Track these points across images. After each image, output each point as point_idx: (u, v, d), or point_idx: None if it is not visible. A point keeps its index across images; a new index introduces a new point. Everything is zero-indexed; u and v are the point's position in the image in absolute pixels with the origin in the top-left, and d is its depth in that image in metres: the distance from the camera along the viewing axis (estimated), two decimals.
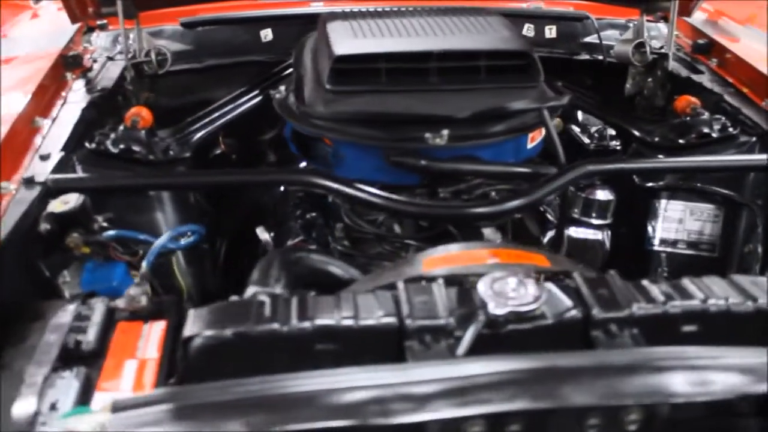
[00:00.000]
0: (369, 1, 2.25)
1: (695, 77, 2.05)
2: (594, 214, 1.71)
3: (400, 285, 1.04)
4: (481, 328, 0.99)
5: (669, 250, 1.80)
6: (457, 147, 1.58)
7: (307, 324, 0.98)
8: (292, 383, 0.87)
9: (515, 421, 0.84)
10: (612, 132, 2.12)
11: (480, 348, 0.99)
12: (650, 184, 1.83)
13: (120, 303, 1.23)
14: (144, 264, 1.39)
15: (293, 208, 1.82)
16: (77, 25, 2.15)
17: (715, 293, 1.07)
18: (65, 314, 1.18)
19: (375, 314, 1.00)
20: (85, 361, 1.10)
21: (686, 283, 1.09)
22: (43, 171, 1.46)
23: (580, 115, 2.26)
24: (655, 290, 1.07)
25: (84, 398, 1.02)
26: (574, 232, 1.71)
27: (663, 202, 1.82)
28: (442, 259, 1.17)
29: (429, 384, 0.87)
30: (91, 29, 2.25)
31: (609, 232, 1.75)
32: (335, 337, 0.99)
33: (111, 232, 1.43)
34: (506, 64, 1.64)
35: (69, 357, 1.10)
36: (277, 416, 0.83)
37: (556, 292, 1.06)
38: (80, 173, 1.58)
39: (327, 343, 0.99)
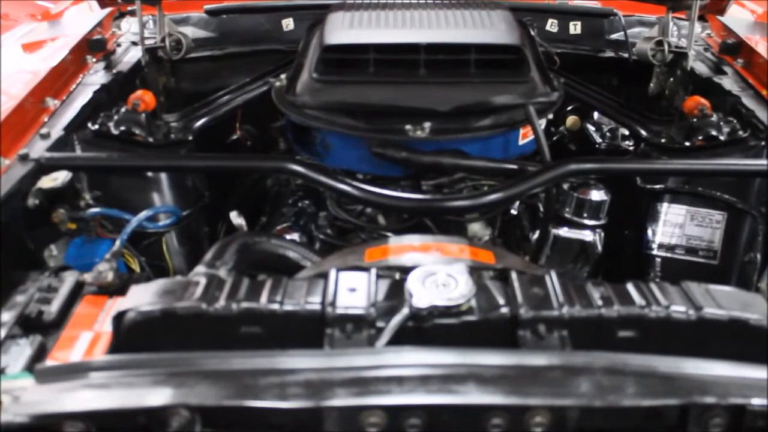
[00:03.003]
0: None
1: (717, 78, 1.98)
2: (586, 215, 1.67)
3: (332, 273, 1.05)
4: (404, 321, 1.00)
5: (666, 255, 1.74)
6: (440, 140, 1.59)
7: (233, 305, 1.01)
8: (199, 361, 0.91)
9: (413, 415, 0.85)
10: (625, 132, 2.07)
11: (405, 341, 0.99)
12: (652, 186, 1.79)
13: (88, 277, 1.29)
14: (117, 242, 1.44)
15: (289, 195, 1.85)
16: (107, 10, 2.23)
17: (657, 300, 1.04)
18: (32, 284, 1.24)
19: (299, 300, 1.02)
20: (44, 330, 1.16)
21: (630, 287, 1.07)
22: (40, 149, 1.53)
23: (596, 114, 2.21)
24: (595, 293, 1.05)
25: (33, 365, 1.08)
26: (564, 231, 1.68)
27: (665, 205, 1.77)
28: (384, 250, 1.17)
29: (332, 372, 0.89)
30: (122, 14, 2.33)
31: (602, 234, 1.71)
32: (259, 320, 1.01)
33: (95, 210, 1.49)
34: (496, 58, 1.63)
35: (29, 325, 1.16)
36: (178, 391, 0.86)
37: (489, 289, 1.06)
38: (78, 152, 1.64)
39: (252, 326, 1.01)
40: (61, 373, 0.93)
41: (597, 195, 1.68)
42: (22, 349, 1.10)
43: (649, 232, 1.77)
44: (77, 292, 1.25)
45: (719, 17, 2.21)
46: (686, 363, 0.92)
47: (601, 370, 0.89)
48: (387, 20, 1.74)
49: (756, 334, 1.03)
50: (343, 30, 1.70)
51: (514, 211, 1.80)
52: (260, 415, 0.86)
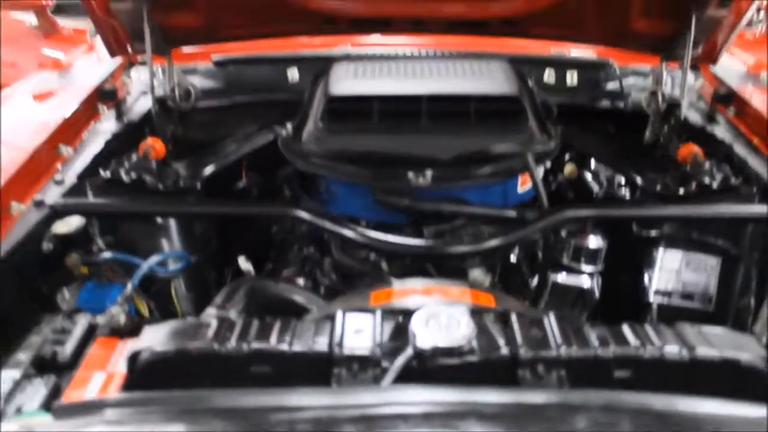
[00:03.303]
0: (394, 45, 2.34)
1: (709, 127, 2.05)
2: (583, 261, 1.72)
3: (339, 315, 1.10)
4: (408, 361, 1.04)
5: (663, 301, 1.78)
6: (441, 188, 1.64)
7: (243, 346, 1.05)
8: (211, 398, 0.94)
9: None
10: (622, 180, 2.12)
11: (409, 379, 1.03)
12: (648, 233, 1.84)
13: (100, 320, 1.33)
14: (129, 285, 1.48)
15: (294, 242, 1.90)
16: (118, 60, 2.30)
17: (652, 340, 1.08)
18: (47, 326, 1.28)
19: (307, 341, 1.06)
20: (58, 370, 1.20)
21: (625, 329, 1.11)
22: (54, 195, 1.58)
23: (593, 162, 2.26)
24: (592, 335, 1.09)
25: (49, 404, 1.11)
26: (562, 277, 1.72)
27: (660, 251, 1.82)
28: (389, 293, 1.22)
29: (339, 409, 0.93)
30: (132, 64, 2.40)
31: (599, 279, 1.75)
32: (269, 360, 1.05)
33: (107, 255, 1.54)
34: (495, 108, 1.69)
35: (44, 366, 1.20)
36: (191, 428, 0.90)
37: (489, 331, 1.10)
38: (90, 199, 1.69)
39: (261, 366, 1.05)
40: (78, 410, 0.97)
41: (594, 242, 1.72)
42: (38, 389, 1.14)
43: (646, 278, 1.82)
44: (90, 334, 1.30)
45: (711, 67, 2.28)
46: (680, 401, 0.95)
47: (597, 407, 0.93)
48: (390, 71, 1.81)
49: (748, 373, 1.06)
50: (348, 81, 1.77)
51: (513, 258, 1.84)
52: None
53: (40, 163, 1.69)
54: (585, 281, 1.73)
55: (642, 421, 0.92)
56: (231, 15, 2.05)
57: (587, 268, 1.72)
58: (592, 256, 1.72)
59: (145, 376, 1.06)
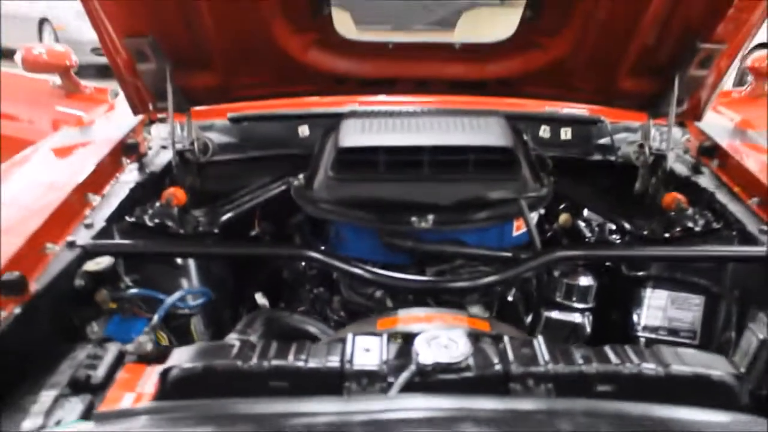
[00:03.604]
0: (398, 103, 2.51)
1: (694, 177, 2.19)
2: (575, 298, 1.84)
3: (349, 337, 1.22)
4: (412, 376, 1.16)
5: (650, 336, 1.90)
6: (442, 231, 1.78)
7: (264, 363, 1.17)
8: (234, 406, 1.06)
9: None
10: (612, 226, 2.26)
11: (413, 392, 1.15)
12: (636, 274, 1.96)
13: (129, 347, 1.45)
14: (155, 317, 1.60)
15: (305, 283, 2.03)
16: (140, 117, 2.46)
17: (631, 359, 1.20)
18: (81, 352, 1.40)
19: (321, 359, 1.18)
20: (92, 391, 1.31)
21: (607, 349, 1.23)
22: (85, 237, 1.72)
23: (586, 211, 2.39)
24: (577, 354, 1.21)
25: (86, 417, 1.23)
26: (555, 314, 1.85)
27: (648, 290, 1.94)
28: (395, 320, 1.35)
29: (350, 415, 1.04)
30: (152, 121, 2.56)
31: (590, 316, 1.87)
32: (286, 376, 1.17)
33: (134, 291, 1.66)
34: (491, 158, 1.84)
35: (78, 386, 1.32)
36: (217, 430, 1.02)
37: (485, 350, 1.22)
38: (118, 240, 1.83)
39: (279, 381, 1.17)
40: (117, 417, 1.08)
41: (585, 281, 1.85)
42: (74, 406, 1.26)
43: (634, 315, 1.94)
44: (120, 360, 1.41)
45: (697, 123, 2.43)
46: (655, 408, 1.07)
47: (580, 413, 1.05)
48: (395, 126, 1.97)
49: (719, 388, 1.18)
50: (356, 134, 1.92)
51: (510, 297, 1.97)
52: None
53: (71, 209, 1.83)
54: (577, 317, 1.85)
55: (620, 424, 1.03)
56: (246, 76, 2.21)
57: (579, 305, 1.85)
58: (583, 294, 1.84)
59: (175, 390, 1.18)
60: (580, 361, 1.19)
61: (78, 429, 1.08)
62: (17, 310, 1.40)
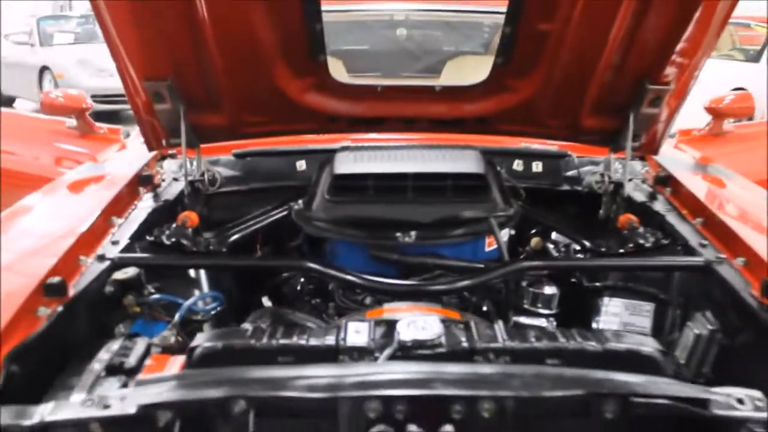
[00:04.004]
0: (386, 140, 2.78)
1: (649, 202, 2.46)
2: (540, 305, 2.10)
3: (342, 322, 1.48)
4: (395, 351, 1.41)
5: None
6: (423, 245, 2.05)
7: (273, 341, 1.43)
8: (249, 371, 1.31)
9: (399, 403, 1.25)
10: (577, 247, 2.52)
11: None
12: (594, 284, 2.23)
13: (155, 341, 1.70)
14: (176, 316, 1.85)
15: (304, 296, 2.28)
16: (153, 153, 2.73)
17: (576, 339, 1.46)
18: (114, 344, 1.65)
19: (320, 339, 1.44)
20: (126, 374, 1.56)
21: (557, 331, 1.49)
22: (112, 251, 1.97)
23: (554, 234, 2.66)
24: (531, 334, 1.47)
25: None
26: (523, 319, 2.10)
27: (605, 299, 2.21)
28: (380, 311, 1.61)
29: (344, 377, 1.29)
30: (164, 157, 2.83)
31: (554, 322, 2.13)
32: (292, 352, 1.42)
33: (156, 296, 1.92)
34: (465, 183, 2.12)
35: (114, 370, 1.56)
36: (237, 388, 1.26)
37: (454, 331, 1.48)
38: (141, 254, 2.08)
39: (286, 356, 1.42)
40: (155, 381, 1.33)
41: (549, 290, 2.11)
42: (112, 384, 1.50)
43: (594, 322, 2.19)
44: (147, 351, 1.66)
45: (655, 156, 2.72)
46: (591, 372, 1.33)
47: (529, 375, 1.30)
48: (383, 156, 2.25)
49: (647, 361, 1.44)
50: (349, 163, 2.20)
51: (484, 308, 2.22)
52: (295, 403, 1.26)
53: (99, 228, 2.09)
54: (542, 322, 2.10)
55: (561, 382, 1.29)
56: (251, 116, 2.46)
57: (544, 311, 2.10)
58: (547, 301, 2.10)
59: (199, 364, 1.43)
60: (533, 340, 1.45)
61: (122, 391, 1.33)
62: (60, 309, 1.65)
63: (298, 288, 2.30)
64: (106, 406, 1.27)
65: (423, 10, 3.87)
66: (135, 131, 3.36)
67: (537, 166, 2.76)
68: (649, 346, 1.48)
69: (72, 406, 1.30)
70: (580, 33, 2.12)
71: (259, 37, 2.13)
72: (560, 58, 2.21)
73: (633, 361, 1.45)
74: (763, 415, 1.29)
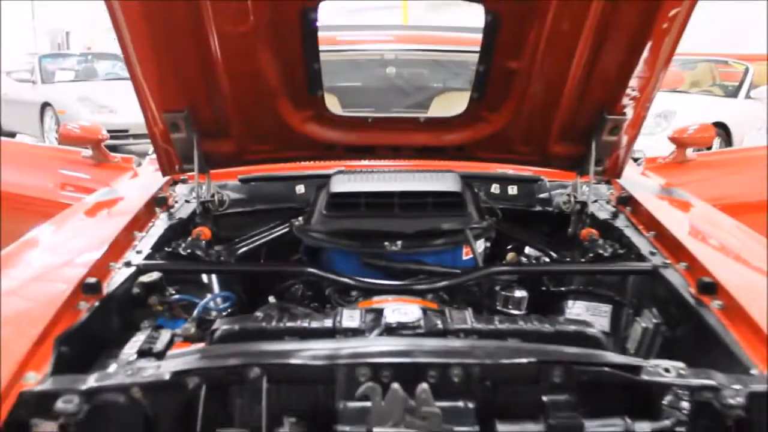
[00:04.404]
0: (375, 166, 3.09)
1: (611, 220, 2.77)
2: (511, 307, 2.39)
3: (338, 310, 1.77)
4: (382, 331, 1.71)
5: None
6: (408, 253, 2.35)
7: (281, 324, 1.72)
8: (262, 345, 1.60)
9: (385, 369, 1.53)
10: (546, 259, 2.82)
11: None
12: (559, 289, 2.53)
13: (178, 331, 1.99)
14: (195, 311, 2.13)
15: (303, 299, 2.57)
16: (166, 179, 3.03)
17: (534, 323, 1.76)
18: (142, 334, 1.93)
19: (320, 322, 1.73)
20: (155, 357, 1.84)
21: (519, 317, 1.79)
22: (137, 259, 2.26)
23: (528, 249, 2.96)
24: (496, 319, 1.77)
25: None
26: None
27: (569, 302, 2.50)
28: (370, 302, 1.92)
29: (340, 349, 1.58)
30: (175, 182, 3.13)
31: None
32: (296, 333, 1.71)
33: (176, 296, 2.20)
34: (444, 200, 2.43)
35: (144, 354, 1.84)
36: (252, 358, 1.55)
37: (431, 317, 1.78)
38: (161, 261, 2.37)
39: (292, 337, 1.71)
40: (182, 356, 1.62)
41: (519, 293, 2.40)
42: (144, 364, 1.78)
43: None
44: (171, 340, 1.94)
45: (619, 180, 3.03)
46: (543, 346, 1.62)
47: (492, 347, 1.60)
48: (373, 178, 2.56)
49: (591, 340, 1.74)
50: (344, 183, 2.51)
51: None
52: (300, 370, 1.54)
53: (124, 240, 2.38)
54: None
55: (518, 351, 1.58)
56: (255, 144, 2.77)
57: (514, 312, 2.39)
58: (517, 303, 2.39)
59: (219, 343, 1.72)
60: (497, 323, 1.75)
61: (158, 363, 1.61)
62: (96, 304, 1.94)
63: (299, 294, 2.58)
64: (145, 374, 1.56)
65: (410, 50, 4.23)
66: (146, 160, 3.69)
67: (512, 189, 3.06)
68: (593, 328, 1.78)
69: (117, 374, 1.58)
70: (544, 70, 2.43)
71: (264, 75, 2.44)
72: (528, 92, 2.53)
73: (579, 340, 1.74)
74: (684, 381, 1.58)
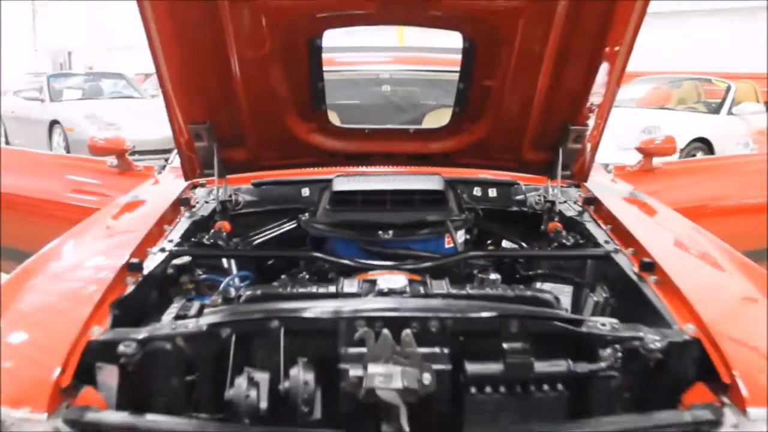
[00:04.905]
0: (371, 171, 3.51)
1: (577, 217, 3.18)
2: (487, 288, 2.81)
3: (340, 280, 2.20)
4: (375, 295, 2.12)
5: None
6: (399, 240, 2.78)
7: (294, 290, 2.14)
8: (279, 303, 2.02)
9: (377, 321, 1.94)
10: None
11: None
12: (528, 273, 2.95)
13: (207, 302, 2.40)
14: (221, 287, 2.53)
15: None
16: (187, 183, 3.45)
17: (499, 289, 2.18)
18: (178, 304, 2.34)
19: (326, 288, 2.15)
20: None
21: (487, 284, 2.21)
22: (169, 246, 2.68)
23: (504, 242, 3.38)
24: (468, 285, 2.19)
25: None
26: None
27: (538, 284, 2.92)
28: (366, 274, 2.33)
29: (343, 305, 2.00)
30: (194, 186, 3.54)
31: None
32: (308, 297, 2.13)
33: (204, 276, 2.62)
34: (429, 197, 2.86)
35: (179, 318, 2.24)
36: (272, 312, 1.97)
37: (416, 285, 2.20)
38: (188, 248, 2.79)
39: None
40: (216, 312, 2.03)
41: (493, 275, 2.80)
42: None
43: None
44: (202, 308, 2.34)
45: (586, 183, 3.45)
46: (504, 304, 2.04)
47: (462, 305, 2.02)
48: (368, 179, 2.99)
49: (544, 302, 2.16)
50: (344, 183, 2.94)
51: None
52: (311, 323, 1.96)
53: (156, 232, 2.80)
54: None
55: (483, 308, 2.00)
56: (267, 152, 3.19)
57: None
58: (492, 284, 2.80)
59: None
60: (468, 289, 2.16)
61: (196, 319, 2.03)
62: (140, 279, 2.35)
63: (306, 279, 2.99)
64: (187, 327, 1.97)
65: (404, 70, 4.68)
66: (166, 169, 4.12)
67: (492, 192, 3.48)
68: (547, 294, 2.21)
69: (164, 327, 2.00)
70: (514, 88, 2.86)
71: (276, 92, 2.86)
72: (502, 107, 2.95)
73: (535, 302, 2.16)
74: (617, 333, 2.00)
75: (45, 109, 13.89)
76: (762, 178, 4.37)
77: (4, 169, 4.20)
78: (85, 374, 1.91)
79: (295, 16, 2.62)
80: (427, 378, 1.80)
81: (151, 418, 1.80)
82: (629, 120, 9.60)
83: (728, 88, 11.29)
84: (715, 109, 11.24)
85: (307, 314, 1.96)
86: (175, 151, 3.81)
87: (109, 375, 1.94)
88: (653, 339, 1.96)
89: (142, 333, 1.96)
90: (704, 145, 10.07)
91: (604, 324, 2.03)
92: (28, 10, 51.62)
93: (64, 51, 44.41)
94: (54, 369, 1.83)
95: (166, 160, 5.37)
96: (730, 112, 11.06)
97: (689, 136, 10.03)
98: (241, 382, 1.86)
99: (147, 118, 12.14)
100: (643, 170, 4.30)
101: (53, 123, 13.37)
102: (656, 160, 4.35)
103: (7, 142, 15.27)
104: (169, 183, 3.73)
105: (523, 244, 3.10)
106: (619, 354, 1.96)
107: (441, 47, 5.61)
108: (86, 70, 24.26)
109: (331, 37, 2.83)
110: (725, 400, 1.84)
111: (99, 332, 1.98)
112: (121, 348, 1.89)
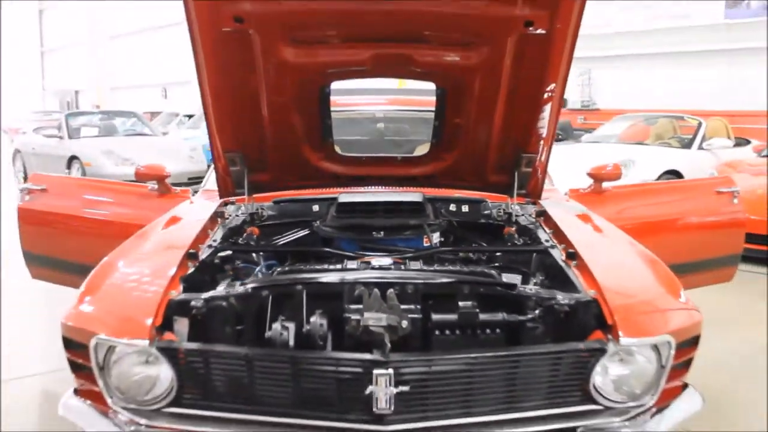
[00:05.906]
0: (368, 191, 4.38)
1: (529, 225, 4.04)
2: None
3: (343, 261, 3.07)
4: (371, 269, 2.98)
5: None
6: (388, 239, 3.65)
7: (311, 268, 3.00)
8: (301, 274, 2.89)
9: (371, 285, 2.79)
10: None
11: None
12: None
13: (247, 281, 3.25)
14: (255, 270, 3.37)
15: None
16: (219, 201, 4.30)
17: (458, 266, 3.04)
18: (224, 284, 3.19)
19: (334, 266, 3.01)
20: None
21: (449, 264, 3.08)
22: (214, 244, 3.53)
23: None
24: (435, 264, 3.06)
25: None
26: None
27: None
28: (363, 258, 3.19)
29: (346, 275, 2.86)
30: (226, 204, 4.40)
31: None
32: (320, 272, 2.99)
33: (241, 265, 3.47)
34: (411, 207, 3.75)
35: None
36: (296, 279, 2.83)
37: (398, 264, 3.06)
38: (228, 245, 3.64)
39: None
40: (257, 281, 2.90)
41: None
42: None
43: None
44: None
45: (540, 201, 4.31)
46: (461, 276, 2.91)
47: (430, 272, 2.88)
48: (365, 195, 3.88)
49: (488, 274, 3.02)
50: (348, 197, 3.83)
51: None
52: (324, 287, 2.82)
53: (202, 235, 3.65)
54: None
55: (445, 275, 2.86)
56: (286, 176, 4.07)
57: None
58: (452, 263, 3.65)
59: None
60: (436, 266, 3.03)
61: (242, 285, 2.88)
62: (197, 264, 3.21)
63: None
64: (237, 290, 2.83)
65: (396, 110, 5.60)
66: (199, 192, 4.99)
67: (465, 208, 4.34)
68: (492, 270, 3.07)
69: (221, 291, 2.86)
70: (477, 124, 3.75)
71: (294, 128, 3.75)
72: (469, 139, 3.84)
73: (483, 275, 3.02)
74: (539, 294, 2.85)
75: (64, 146, 14.81)
76: (697, 202, 5.24)
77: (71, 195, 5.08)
78: (165, 327, 2.74)
79: (310, 72, 3.53)
80: (404, 323, 2.64)
81: (218, 347, 2.65)
82: (607, 154, 10.46)
83: (699, 125, 12.22)
84: (687, 144, 12.13)
85: (322, 280, 2.82)
86: (206, 177, 4.73)
87: (182, 325, 2.79)
88: (564, 298, 2.81)
89: (206, 295, 2.81)
90: (675, 176, 10.92)
91: (531, 289, 2.89)
92: (36, 52, 52.91)
93: (71, 90, 45.66)
94: (149, 316, 2.68)
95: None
96: (701, 147, 11.94)
97: (661, 168, 10.91)
98: (277, 326, 2.71)
99: (159, 154, 13.12)
100: (594, 192, 5.14)
101: (72, 158, 14.27)
102: (606, 184, 5.18)
103: (25, 177, 16.14)
104: (203, 202, 4.60)
105: (485, 246, 3.97)
106: (538, 309, 2.81)
107: (431, 89, 6.54)
108: (93, 108, 25.18)
109: (337, 84, 3.73)
110: (609, 336, 2.69)
111: (175, 295, 2.83)
112: (193, 302, 2.74)
